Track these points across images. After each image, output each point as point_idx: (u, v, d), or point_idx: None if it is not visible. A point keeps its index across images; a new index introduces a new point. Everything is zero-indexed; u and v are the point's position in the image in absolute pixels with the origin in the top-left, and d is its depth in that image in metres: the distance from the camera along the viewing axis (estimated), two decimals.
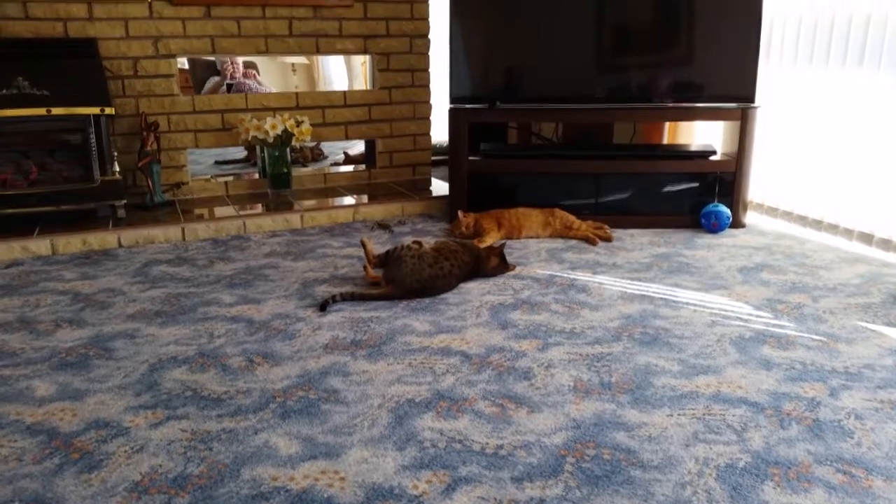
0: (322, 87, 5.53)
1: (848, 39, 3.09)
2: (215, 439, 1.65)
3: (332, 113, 4.07)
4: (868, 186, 3.11)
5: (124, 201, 3.38)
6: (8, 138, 3.27)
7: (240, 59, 5.34)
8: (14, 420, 1.74)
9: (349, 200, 3.83)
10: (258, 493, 1.45)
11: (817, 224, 3.35)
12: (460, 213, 3.30)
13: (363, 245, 2.67)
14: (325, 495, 1.44)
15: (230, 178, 4.09)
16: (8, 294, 2.62)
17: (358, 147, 4.95)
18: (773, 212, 3.61)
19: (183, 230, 3.31)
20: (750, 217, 3.59)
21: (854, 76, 3.10)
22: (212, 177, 4.16)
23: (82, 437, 1.66)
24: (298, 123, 3.76)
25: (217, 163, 5.10)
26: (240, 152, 5.11)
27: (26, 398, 1.85)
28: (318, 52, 3.97)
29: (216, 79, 5.42)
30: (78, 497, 1.44)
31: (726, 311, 2.42)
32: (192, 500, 1.43)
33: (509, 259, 2.84)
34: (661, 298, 2.53)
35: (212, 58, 5.14)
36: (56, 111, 3.15)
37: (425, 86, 4.25)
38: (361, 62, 5.43)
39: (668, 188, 3.49)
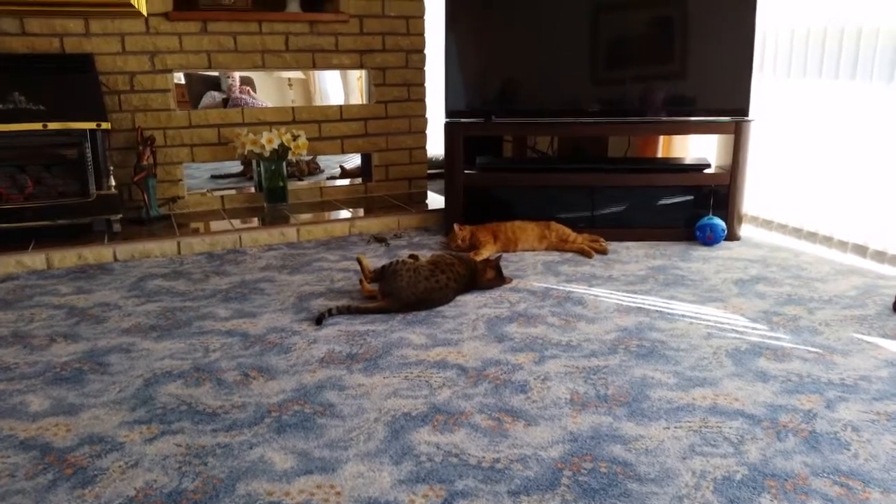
0: (318, 102, 5.54)
1: (840, 52, 3.12)
2: (210, 454, 1.64)
3: (329, 127, 4.08)
4: (862, 199, 3.13)
5: (120, 215, 3.38)
6: (4, 153, 3.27)
7: (237, 75, 5.36)
8: (7, 435, 1.73)
9: (345, 214, 3.83)
10: None
11: (812, 236, 3.37)
12: (456, 226, 3.31)
13: (359, 261, 2.67)
14: None
15: (226, 192, 4.09)
16: (2, 308, 2.61)
17: (354, 161, 4.97)
18: (767, 224, 3.62)
19: (178, 244, 3.31)
20: (745, 230, 3.60)
21: (847, 88, 3.12)
22: (208, 191, 4.16)
23: (76, 453, 1.65)
24: (295, 138, 3.76)
25: (213, 177, 5.11)
26: (236, 167, 5.12)
27: (20, 413, 1.84)
28: (315, 67, 3.99)
29: (214, 94, 5.43)
30: None
31: (722, 323, 2.42)
32: None
33: (505, 272, 2.84)
34: (657, 311, 2.53)
35: (208, 73, 5.15)
36: (52, 126, 3.16)
37: (421, 100, 4.27)
38: (357, 77, 5.45)
39: (663, 201, 3.50)
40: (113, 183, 3.36)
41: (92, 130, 3.25)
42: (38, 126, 3.13)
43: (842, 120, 3.17)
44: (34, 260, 3.07)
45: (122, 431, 1.74)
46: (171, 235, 3.35)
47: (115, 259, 3.21)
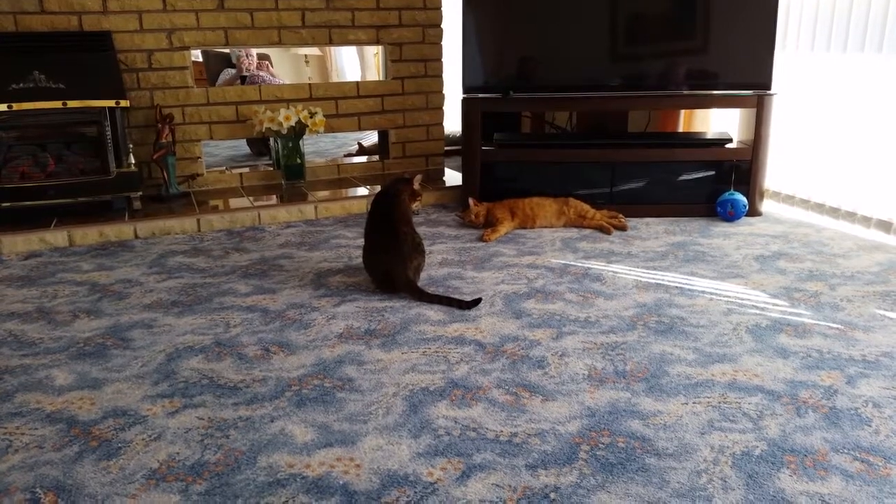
0: (335, 79, 5.52)
1: (866, 24, 3.05)
2: (232, 427, 1.66)
3: (346, 104, 4.07)
4: (886, 174, 3.07)
5: (140, 193, 3.40)
6: (25, 131, 3.31)
7: (254, 52, 5.35)
8: (34, 408, 1.77)
9: (363, 191, 3.83)
10: (274, 480, 1.46)
11: (834, 212, 3.32)
12: (471, 201, 3.30)
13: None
14: (341, 482, 1.45)
15: (245, 170, 4.11)
16: (27, 285, 2.66)
17: (371, 138, 4.96)
18: (789, 200, 3.57)
19: (198, 221, 3.34)
20: (766, 205, 3.55)
21: (872, 62, 3.05)
22: (227, 168, 4.17)
23: (101, 426, 1.68)
24: (312, 115, 3.76)
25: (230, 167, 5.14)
26: (245, 150, 5.13)
27: (46, 387, 1.87)
28: (331, 43, 3.96)
29: (231, 71, 5.43)
30: (97, 484, 1.46)
31: (742, 299, 2.40)
32: (208, 487, 1.45)
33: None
34: (677, 287, 2.52)
35: (225, 50, 5.15)
36: (72, 104, 3.18)
37: (438, 76, 4.24)
38: (374, 53, 5.41)
39: (684, 176, 3.47)
40: (133, 160, 3.39)
41: (111, 108, 3.26)
42: (57, 104, 3.15)
43: (866, 94, 3.11)
44: (56, 237, 3.11)
45: (145, 405, 1.77)
46: (190, 213, 3.38)
47: (136, 236, 3.24)
